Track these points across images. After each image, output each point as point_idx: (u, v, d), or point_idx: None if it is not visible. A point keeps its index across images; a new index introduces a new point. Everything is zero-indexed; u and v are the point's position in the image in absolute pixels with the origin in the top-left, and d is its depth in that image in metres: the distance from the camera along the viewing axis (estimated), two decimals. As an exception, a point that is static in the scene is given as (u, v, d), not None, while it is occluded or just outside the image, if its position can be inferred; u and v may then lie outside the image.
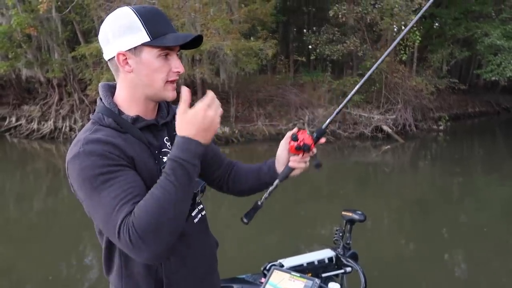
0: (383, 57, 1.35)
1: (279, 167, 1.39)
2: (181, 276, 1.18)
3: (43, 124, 13.31)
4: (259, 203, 1.39)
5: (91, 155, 1.00)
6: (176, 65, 1.12)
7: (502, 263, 4.41)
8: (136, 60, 1.09)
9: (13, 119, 13.90)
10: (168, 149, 1.20)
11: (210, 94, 1.06)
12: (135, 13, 1.07)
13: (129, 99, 1.15)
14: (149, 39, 1.06)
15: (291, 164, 1.34)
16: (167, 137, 1.21)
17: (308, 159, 1.34)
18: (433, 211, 6.23)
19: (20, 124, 13.66)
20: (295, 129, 1.35)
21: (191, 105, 1.08)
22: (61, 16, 12.15)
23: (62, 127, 13.11)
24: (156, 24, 1.07)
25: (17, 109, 14.14)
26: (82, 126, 12.92)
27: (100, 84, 1.21)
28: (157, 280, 1.15)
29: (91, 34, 13.22)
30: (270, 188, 1.38)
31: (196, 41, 1.14)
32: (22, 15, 11.51)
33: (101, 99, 1.17)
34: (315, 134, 1.32)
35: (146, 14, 1.08)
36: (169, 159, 1.01)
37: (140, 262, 1.12)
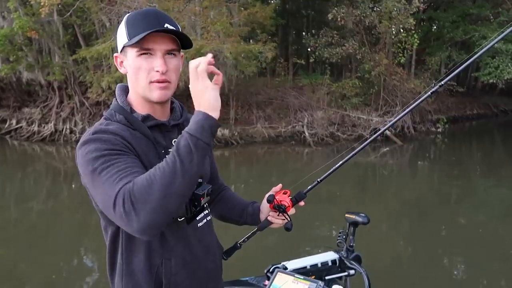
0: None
1: (262, 216, 1.46)
2: (180, 278, 1.18)
3: (44, 127, 13.31)
4: (238, 244, 1.51)
5: (96, 141, 1.03)
6: (157, 64, 1.10)
7: (499, 264, 4.48)
8: (126, 62, 1.15)
9: (14, 121, 13.89)
10: None
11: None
12: (125, 18, 1.14)
13: (135, 99, 1.18)
14: (127, 40, 1.11)
15: (269, 218, 1.41)
16: (175, 139, 1.17)
17: (283, 218, 1.40)
18: (433, 213, 6.28)
19: (21, 127, 13.66)
20: (279, 186, 1.42)
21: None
22: (62, 19, 12.18)
23: (62, 130, 13.11)
24: (135, 25, 1.09)
25: (17, 111, 14.12)
26: (83, 128, 12.99)
27: (117, 85, 1.25)
28: (157, 280, 1.15)
29: (92, 37, 13.28)
30: (249, 234, 1.49)
31: (187, 41, 1.15)
32: (24, 18, 11.51)
33: (116, 98, 1.21)
34: (294, 197, 1.40)
35: (132, 16, 1.13)
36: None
37: (142, 260, 1.14)
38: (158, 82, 1.11)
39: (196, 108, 1.02)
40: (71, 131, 13.11)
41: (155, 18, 1.10)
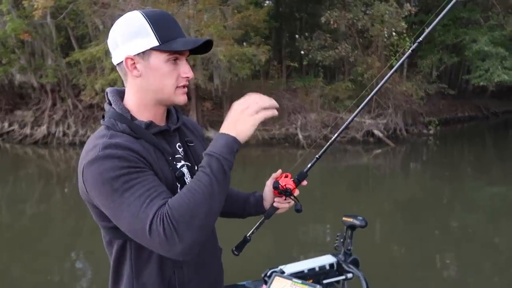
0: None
1: (266, 204, 1.44)
2: (194, 285, 1.17)
3: (36, 130, 13.23)
4: (247, 237, 1.49)
5: (110, 158, 0.98)
6: (185, 70, 1.11)
7: (492, 264, 4.56)
8: (144, 65, 1.07)
9: (6, 124, 13.79)
10: (181, 155, 1.19)
11: (247, 95, 1.10)
12: (144, 17, 1.06)
13: (138, 104, 1.13)
14: (158, 44, 1.05)
15: (275, 204, 1.41)
16: (179, 143, 1.21)
17: (290, 201, 1.40)
18: (426, 214, 6.34)
19: (13, 130, 13.56)
20: (279, 172, 1.42)
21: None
22: (55, 22, 12.14)
23: (55, 132, 13.05)
24: (165, 28, 1.06)
25: (9, 114, 14.02)
26: (76, 131, 12.94)
27: (108, 90, 1.18)
28: None
29: (85, 39, 13.24)
30: (257, 224, 1.47)
31: (206, 46, 1.13)
32: (17, 21, 11.47)
33: (110, 104, 1.14)
34: (296, 178, 1.39)
35: (155, 18, 1.07)
36: (205, 154, 1.01)
37: (154, 271, 1.11)
38: (184, 87, 1.13)
39: (227, 129, 1.04)
40: (64, 134, 13.05)
41: (176, 23, 1.10)
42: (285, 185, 1.36)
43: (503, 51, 14.13)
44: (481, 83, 14.95)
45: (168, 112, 1.23)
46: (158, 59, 1.07)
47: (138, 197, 0.95)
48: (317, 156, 1.42)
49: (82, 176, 1.02)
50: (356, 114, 1.49)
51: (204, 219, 0.95)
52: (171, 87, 1.10)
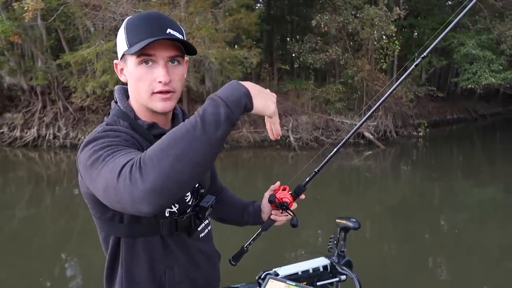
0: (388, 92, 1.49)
1: (263, 216, 1.46)
2: (184, 287, 1.17)
3: (26, 132, 13.10)
4: (245, 248, 1.51)
5: (106, 133, 0.98)
6: (158, 74, 1.02)
7: (480, 263, 4.64)
8: (126, 70, 1.08)
9: (-5, 127, 13.66)
10: None
11: None
12: (126, 21, 1.06)
13: (137, 106, 1.12)
14: (126, 48, 1.03)
15: (272, 217, 1.42)
16: None
17: (287, 215, 1.40)
18: (416, 215, 6.41)
19: (2, 132, 13.40)
20: (277, 184, 1.43)
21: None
22: (46, 24, 12.06)
23: (45, 135, 12.93)
24: (136, 31, 1.02)
25: (-2, 116, 13.91)
26: (67, 133, 12.84)
27: (116, 87, 1.18)
28: None
29: (76, 42, 13.17)
30: (254, 236, 1.50)
31: (188, 47, 1.07)
32: (7, 23, 11.36)
33: (116, 102, 1.14)
34: (294, 192, 1.40)
35: (132, 21, 1.05)
36: (208, 98, 0.87)
37: (145, 270, 1.10)
38: (161, 93, 1.04)
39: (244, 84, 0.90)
40: (55, 136, 12.94)
41: (157, 23, 1.03)
42: (281, 198, 1.37)
43: (490, 54, 14.39)
44: (469, 86, 15.17)
45: (174, 115, 1.20)
46: (131, 63, 1.05)
47: (120, 156, 0.86)
48: (316, 170, 1.45)
49: (78, 159, 0.97)
50: (355, 131, 1.53)
51: (174, 161, 0.78)
52: (144, 92, 1.05)
